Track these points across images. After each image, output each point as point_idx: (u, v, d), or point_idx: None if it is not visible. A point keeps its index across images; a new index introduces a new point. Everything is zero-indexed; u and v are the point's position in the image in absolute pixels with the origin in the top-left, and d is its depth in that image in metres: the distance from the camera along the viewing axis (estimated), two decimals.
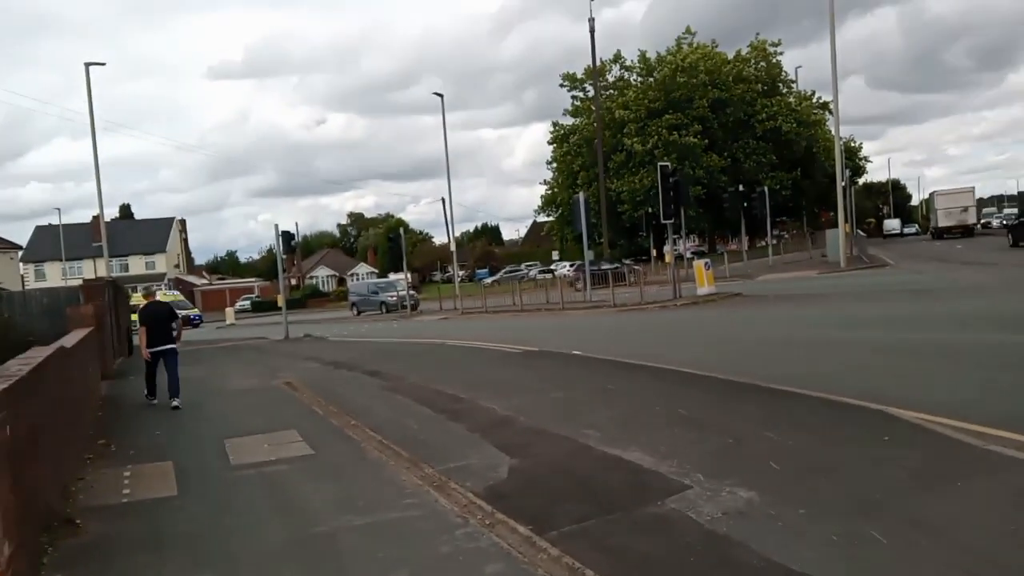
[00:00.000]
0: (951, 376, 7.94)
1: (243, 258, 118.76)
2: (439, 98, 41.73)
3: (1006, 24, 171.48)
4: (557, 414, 7.69)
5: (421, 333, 21.28)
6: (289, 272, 65.48)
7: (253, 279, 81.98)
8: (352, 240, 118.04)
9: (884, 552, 3.74)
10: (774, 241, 45.88)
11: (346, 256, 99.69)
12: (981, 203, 72.86)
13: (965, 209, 46.28)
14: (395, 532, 4.80)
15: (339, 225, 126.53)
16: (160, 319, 10.43)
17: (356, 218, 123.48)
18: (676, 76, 50.59)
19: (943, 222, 46.33)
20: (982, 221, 55.05)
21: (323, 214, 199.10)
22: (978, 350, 9.24)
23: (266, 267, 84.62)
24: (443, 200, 43.70)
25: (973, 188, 50.26)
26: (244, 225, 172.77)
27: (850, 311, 15.20)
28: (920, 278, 21.68)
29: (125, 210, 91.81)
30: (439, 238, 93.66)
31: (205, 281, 77.14)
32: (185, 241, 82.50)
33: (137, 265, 69.41)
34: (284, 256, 26.21)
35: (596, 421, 7.12)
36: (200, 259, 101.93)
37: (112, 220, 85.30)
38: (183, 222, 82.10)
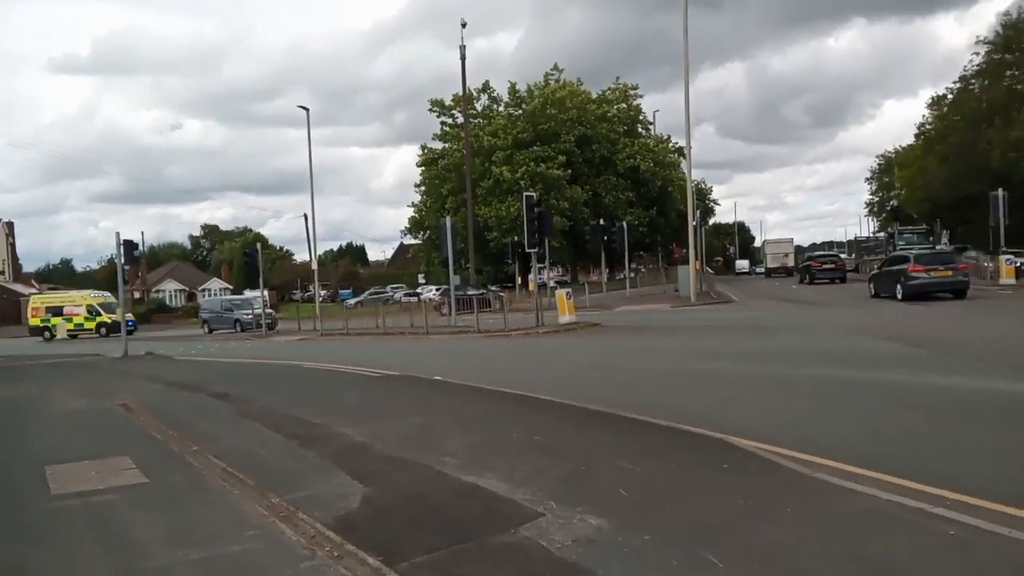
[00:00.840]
0: (784, 407, 8.54)
1: (79, 267, 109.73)
2: (305, 111, 40.67)
3: (838, 87, 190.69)
4: (415, 440, 7.56)
5: (277, 354, 20.41)
6: (132, 284, 60.95)
7: (90, 291, 75.59)
8: (205, 253, 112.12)
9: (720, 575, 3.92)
10: (631, 274, 47.99)
11: (198, 270, 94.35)
12: (814, 247, 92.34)
13: (786, 255, 58.96)
14: (235, 566, 4.50)
15: (191, 237, 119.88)
16: None
17: (210, 230, 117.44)
18: (545, 109, 52.20)
19: (771, 264, 58.96)
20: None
21: (174, 225, 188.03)
22: (806, 382, 10.03)
23: (105, 278, 78.31)
24: (306, 216, 42.31)
25: (792, 239, 66.56)
26: (83, 232, 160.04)
27: (698, 344, 16.10)
28: (760, 315, 23.35)
29: None
30: (301, 255, 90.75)
31: (34, 290, 70.29)
32: (12, 246, 74.90)
33: None
34: (127, 267, 24.40)
35: (454, 448, 7.07)
36: (31, 267, 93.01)
37: None
38: (10, 224, 74.54)
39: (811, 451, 6.15)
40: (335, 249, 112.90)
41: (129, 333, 38.01)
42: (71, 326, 41.26)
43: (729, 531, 4.53)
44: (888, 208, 70.20)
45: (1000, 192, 30.92)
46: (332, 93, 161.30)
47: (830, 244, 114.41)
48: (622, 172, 54.24)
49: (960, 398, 8.47)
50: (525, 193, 23.32)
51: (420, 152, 58.10)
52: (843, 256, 51.51)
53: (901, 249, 33.56)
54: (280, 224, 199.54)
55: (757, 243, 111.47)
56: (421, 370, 13.25)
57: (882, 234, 50.98)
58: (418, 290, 57.56)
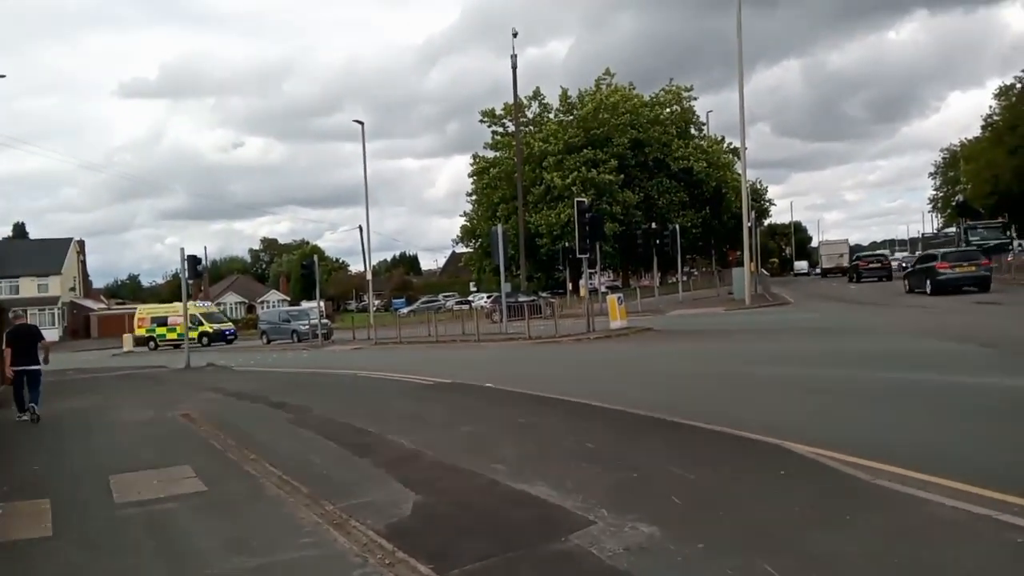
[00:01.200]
0: (840, 411, 8.28)
1: (146, 282, 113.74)
2: (360, 125, 41.46)
3: (898, 80, 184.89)
4: (466, 448, 7.58)
5: (332, 364, 20.77)
6: (195, 297, 62.99)
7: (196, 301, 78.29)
8: (264, 267, 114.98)
9: None
10: (684, 278, 47.38)
11: (257, 283, 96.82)
12: (875, 246, 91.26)
13: (841, 255, 59.38)
14: (289, 574, 4.58)
15: (251, 251, 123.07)
16: (25, 340, 10.90)
17: (269, 244, 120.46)
18: (598, 114, 52.02)
19: (826, 264, 60.08)
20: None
21: (235, 239, 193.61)
22: (867, 386, 9.70)
23: (170, 292, 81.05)
24: (360, 228, 43.05)
25: (846, 239, 69.69)
26: (149, 248, 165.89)
27: (751, 347, 15.76)
28: (817, 316, 22.75)
29: (19, 229, 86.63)
30: (355, 266, 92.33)
31: (103, 305, 73.18)
32: (83, 263, 78.17)
33: (28, 287, 65.14)
34: (190, 281, 25.19)
35: (505, 455, 7.06)
36: (100, 283, 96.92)
37: (3, 239, 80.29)
38: (81, 243, 77.80)
39: (871, 456, 5.94)
40: (389, 259, 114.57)
41: (228, 342, 39.55)
42: (174, 336, 40.94)
43: (786, 539, 4.41)
44: (953, 203, 67.78)
45: None
46: (386, 107, 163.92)
47: (891, 242, 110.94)
48: (675, 173, 53.67)
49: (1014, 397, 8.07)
50: (576, 199, 23.28)
51: (472, 161, 58.57)
52: (901, 254, 51.41)
53: (975, 244, 35.08)
54: (336, 236, 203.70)
55: (814, 243, 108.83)
56: (472, 378, 13.30)
57: (952, 230, 48.62)
58: (469, 298, 57.91)
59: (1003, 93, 56.27)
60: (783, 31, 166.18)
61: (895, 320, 19.43)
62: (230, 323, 45.61)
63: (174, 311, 44.13)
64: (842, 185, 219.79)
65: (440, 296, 67.75)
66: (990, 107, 58.07)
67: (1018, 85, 51.71)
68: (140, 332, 43.78)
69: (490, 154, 57.17)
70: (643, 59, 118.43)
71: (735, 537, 4.51)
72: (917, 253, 51.42)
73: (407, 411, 10.39)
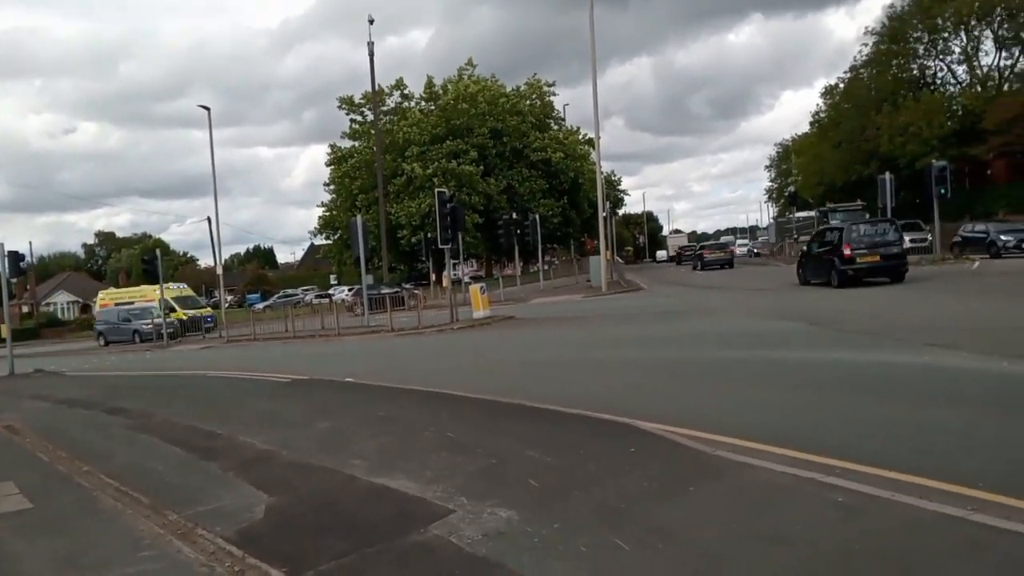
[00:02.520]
0: (687, 389, 8.79)
1: None
2: (206, 111, 39.09)
3: (738, 79, 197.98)
4: (323, 445, 7.37)
5: (179, 364, 19.57)
6: (19, 298, 57.25)
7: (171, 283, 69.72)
8: (100, 262, 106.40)
9: (626, 558, 3.97)
10: (545, 266, 48.47)
11: (93, 280, 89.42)
12: (719, 234, 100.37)
13: (683, 246, 69.02)
14: None
15: (85, 245, 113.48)
16: None
17: (106, 238, 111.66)
18: (458, 104, 52.00)
19: (671, 253, 72.97)
20: None
21: (67, 233, 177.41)
22: (707, 365, 10.35)
23: None
24: (209, 219, 40.76)
25: (685, 233, 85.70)
26: None
27: (608, 332, 16.38)
28: (668, 301, 24.00)
29: None
30: (206, 261, 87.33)
31: None
32: None
33: None
34: (14, 280, 22.86)
35: (364, 450, 6.94)
36: None
37: None
38: None
39: (713, 430, 6.34)
40: (242, 253, 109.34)
41: (207, 331, 33.48)
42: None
43: (635, 513, 4.61)
44: (786, 194, 73.45)
45: (887, 175, 32.76)
46: (238, 92, 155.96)
47: (733, 231, 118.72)
48: (534, 164, 54.73)
49: (848, 371, 8.91)
50: (437, 189, 23.17)
51: (329, 151, 56.90)
52: (741, 242, 55.71)
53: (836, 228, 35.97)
54: (183, 229, 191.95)
55: (664, 232, 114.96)
56: (332, 373, 12.96)
57: (804, 214, 51.19)
58: (330, 291, 56.39)
59: (828, 93, 61.52)
60: (635, 30, 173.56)
61: (739, 303, 20.83)
62: (209, 309, 39.88)
63: (141, 295, 38.18)
64: (689, 177, 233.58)
65: (299, 290, 65.48)
66: (817, 105, 63.30)
67: (841, 86, 56.72)
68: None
69: (348, 143, 55.85)
70: (503, 52, 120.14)
71: (588, 515, 4.67)
72: (775, 239, 53.76)
73: (261, 410, 9.96)
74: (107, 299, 39.99)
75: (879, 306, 15.81)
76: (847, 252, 20.51)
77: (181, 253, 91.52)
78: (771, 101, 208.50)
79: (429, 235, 35.94)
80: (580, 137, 60.95)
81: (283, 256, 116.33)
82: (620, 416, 7.09)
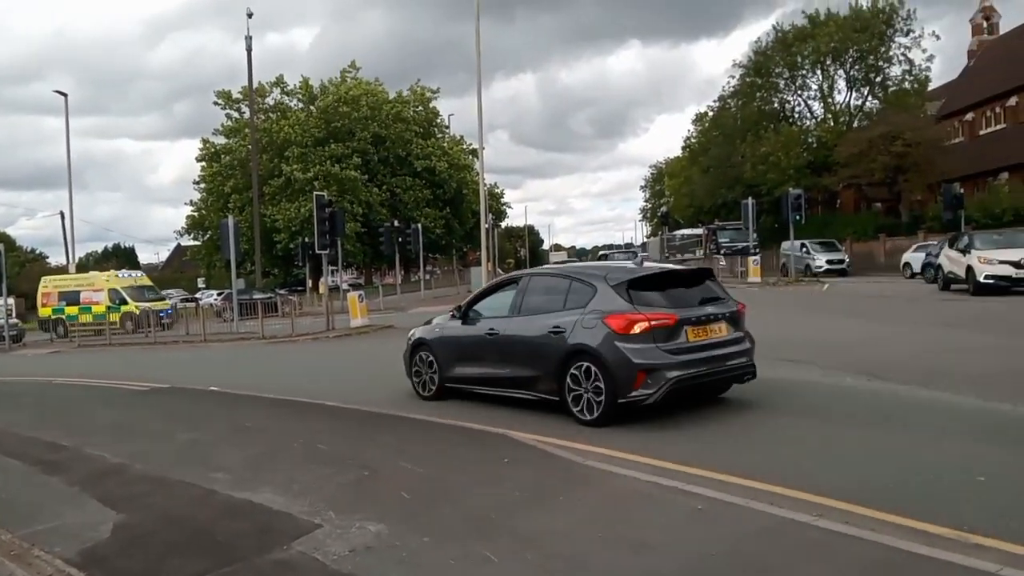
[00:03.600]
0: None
1: None
2: (63, 97, 36.32)
3: (617, 101, 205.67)
4: (182, 458, 6.96)
5: (21, 371, 17.94)
6: None
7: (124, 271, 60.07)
8: None
9: (494, 569, 3.98)
10: (427, 276, 48.21)
11: None
12: (596, 250, 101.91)
13: (563, 261, 66.33)
14: None
15: None
16: None
17: None
18: (339, 107, 50.85)
19: None
20: None
21: None
22: None
23: None
24: (62, 214, 37.77)
25: (565, 248, 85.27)
26: None
27: None
28: None
29: None
30: (57, 259, 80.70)
31: None
32: None
33: None
34: None
35: (227, 463, 6.61)
36: None
37: None
38: None
39: (583, 440, 6.48)
40: (100, 251, 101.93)
41: (165, 327, 28.28)
42: (90, 318, 29.74)
43: (505, 524, 4.63)
44: (659, 214, 76.88)
45: (750, 200, 34.99)
46: (102, 80, 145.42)
47: (608, 247, 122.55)
48: (418, 172, 54.35)
49: None
50: (316, 192, 22.52)
51: (202, 146, 54.12)
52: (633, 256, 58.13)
53: (724, 245, 37.46)
54: (33, 223, 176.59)
55: (545, 246, 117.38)
56: (195, 381, 12.28)
57: (700, 230, 52.10)
58: (197, 295, 53.53)
59: (699, 120, 65.05)
60: (521, 45, 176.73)
61: None
62: (167, 302, 34.11)
63: (89, 284, 32.23)
64: (570, 193, 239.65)
65: (163, 293, 61.74)
66: (688, 131, 66.90)
67: (710, 114, 60.10)
68: (45, 313, 33.02)
69: (223, 140, 53.37)
70: (390, 58, 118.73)
71: (459, 526, 4.65)
72: (666, 255, 54.75)
73: (113, 421, 9.29)
74: (51, 287, 34.17)
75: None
76: None
77: (29, 249, 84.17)
78: (647, 124, 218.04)
79: (307, 240, 34.89)
80: (464, 147, 61.20)
81: (146, 256, 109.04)
82: (495, 427, 7.12)
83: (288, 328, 21.56)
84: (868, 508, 4.49)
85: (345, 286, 38.48)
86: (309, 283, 45.34)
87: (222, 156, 51.96)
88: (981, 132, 51.88)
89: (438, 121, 59.99)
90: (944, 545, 3.89)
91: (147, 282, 34.21)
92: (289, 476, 6.00)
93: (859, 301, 19.68)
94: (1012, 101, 48.52)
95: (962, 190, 30.73)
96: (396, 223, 39.45)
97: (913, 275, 28.50)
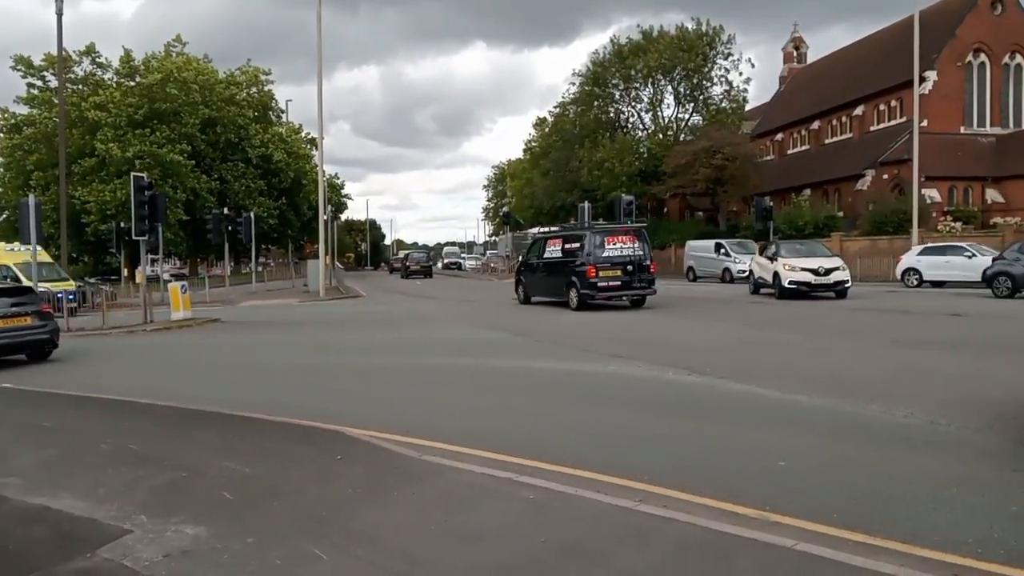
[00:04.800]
0: (398, 395, 8.85)
1: None
2: None
3: (462, 101, 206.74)
4: None
5: None
6: None
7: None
8: None
9: (323, 567, 3.84)
10: (260, 268, 45.98)
11: None
12: (440, 247, 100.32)
13: (407, 255, 64.93)
14: None
15: None
16: None
17: None
18: (166, 86, 47.10)
19: (395, 265, 66.87)
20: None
21: None
22: (420, 371, 10.55)
23: None
24: None
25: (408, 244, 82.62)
26: None
27: (321, 338, 15.96)
28: (386, 309, 24.12)
29: None
30: None
31: None
32: None
33: None
34: None
35: (21, 466, 5.94)
36: None
37: None
38: None
39: (422, 436, 6.44)
40: None
41: (69, 313, 21.68)
42: None
43: (336, 521, 4.50)
44: (501, 214, 78.32)
45: (587, 204, 36.44)
46: None
47: (451, 244, 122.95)
48: (252, 160, 51.54)
49: (544, 378, 9.66)
50: (134, 174, 20.72)
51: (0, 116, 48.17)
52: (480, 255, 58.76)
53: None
54: None
55: (387, 241, 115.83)
56: None
57: (557, 228, 50.79)
58: None
59: (540, 124, 66.95)
60: (365, 37, 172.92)
61: (452, 312, 21.59)
62: (72, 283, 27.41)
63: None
64: (414, 189, 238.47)
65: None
66: (530, 134, 68.64)
67: (550, 119, 62.00)
68: None
69: (25, 110, 47.85)
70: (222, 37, 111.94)
71: (287, 526, 4.45)
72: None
73: None
74: None
75: (574, 321, 17.44)
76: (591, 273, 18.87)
77: None
78: (491, 125, 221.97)
79: (123, 225, 32.08)
80: (303, 136, 58.96)
81: None
82: (329, 423, 6.91)
83: (99, 320, 19.72)
84: (684, 492, 4.81)
85: (167, 276, 35.84)
86: (125, 272, 41.73)
87: (23, 128, 46.59)
88: (789, 151, 57.51)
89: (274, 105, 57.34)
90: (748, 524, 4.24)
91: (46, 258, 28.51)
92: (94, 479, 5.48)
93: (678, 303, 21.07)
94: (815, 125, 54.17)
95: (771, 203, 33.77)
96: (226, 211, 37.21)
97: (733, 279, 30.95)
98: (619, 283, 18.99)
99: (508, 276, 44.62)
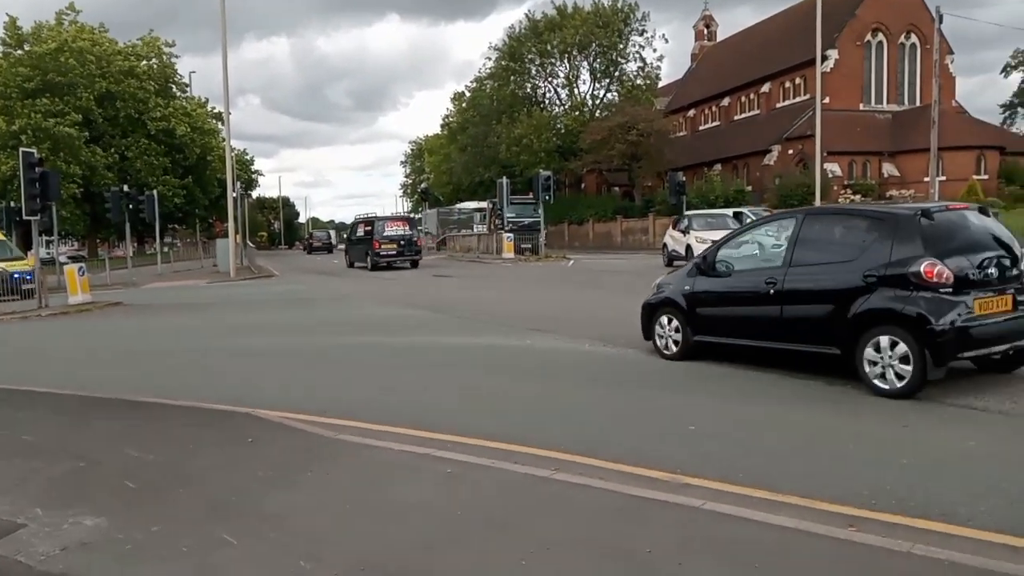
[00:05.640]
0: (312, 376, 8.66)
1: None
2: None
3: (377, 75, 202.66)
4: None
5: None
6: None
7: None
8: None
9: (232, 552, 3.73)
10: (165, 248, 44.05)
11: None
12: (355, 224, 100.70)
13: (310, 234, 72.49)
14: None
15: None
16: None
17: None
18: (59, 56, 44.09)
19: (313, 242, 66.93)
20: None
21: None
22: (334, 351, 10.35)
23: None
24: None
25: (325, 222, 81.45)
26: None
27: (232, 319, 15.45)
28: (299, 288, 23.54)
29: None
30: None
31: None
32: None
33: None
34: None
35: None
36: None
37: None
38: None
39: (338, 415, 6.32)
40: None
41: (22, 296, 19.14)
42: None
43: (247, 505, 4.37)
44: (419, 190, 77.46)
45: (504, 180, 36.45)
46: None
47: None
48: (154, 135, 49.03)
49: (464, 356, 9.65)
50: (23, 149, 19.39)
51: None
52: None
53: (509, 220, 35.97)
54: None
55: (302, 219, 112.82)
56: None
57: (483, 203, 47.11)
58: None
59: (457, 99, 66.30)
60: (274, 6, 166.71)
61: (366, 290, 21.27)
62: (29, 261, 22.88)
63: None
64: (328, 165, 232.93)
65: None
66: (447, 110, 67.91)
67: (467, 94, 61.48)
68: None
69: None
70: (119, 6, 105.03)
71: (194, 513, 4.29)
72: (439, 229, 51.25)
73: None
74: None
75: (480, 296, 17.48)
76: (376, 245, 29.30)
77: None
78: (407, 100, 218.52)
79: (13, 204, 30.08)
80: (209, 110, 56.49)
81: None
82: (238, 406, 6.69)
83: None
84: (599, 460, 4.90)
85: (63, 258, 33.88)
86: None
87: None
88: (700, 127, 59.03)
89: (177, 79, 54.62)
90: (660, 487, 4.36)
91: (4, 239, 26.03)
92: None
93: (597, 275, 21.44)
94: (725, 102, 55.75)
95: (684, 178, 34.64)
96: (127, 188, 35.34)
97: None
98: (394, 253, 29.49)
99: (432, 252, 44.24)
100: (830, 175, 37.98)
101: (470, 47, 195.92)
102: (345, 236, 40.82)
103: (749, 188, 42.29)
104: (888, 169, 42.15)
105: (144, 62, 50.72)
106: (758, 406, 6.25)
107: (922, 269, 6.11)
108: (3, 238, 26.84)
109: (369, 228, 30.61)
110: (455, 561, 3.55)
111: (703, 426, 5.69)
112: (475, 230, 43.76)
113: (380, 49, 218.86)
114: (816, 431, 5.52)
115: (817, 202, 29.79)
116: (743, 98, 53.35)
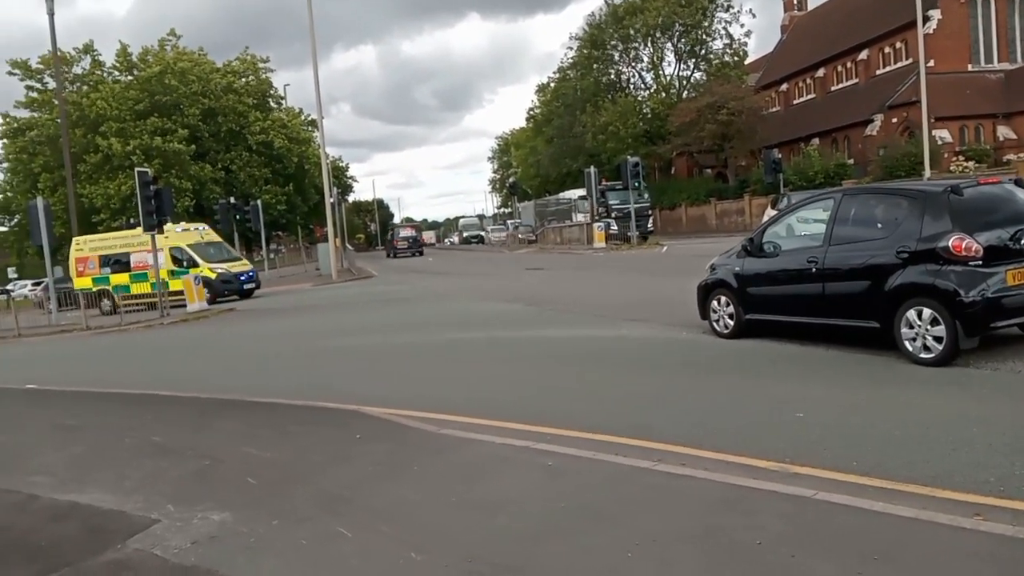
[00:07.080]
0: (417, 372, 8.90)
1: None
2: None
3: (460, 74, 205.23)
4: None
5: None
6: None
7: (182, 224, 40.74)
8: None
9: (348, 545, 3.89)
10: (271, 255, 46.17)
11: None
12: (448, 222, 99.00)
13: (392, 233, 67.29)
14: None
15: None
16: None
17: None
18: (164, 78, 46.96)
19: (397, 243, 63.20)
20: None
21: None
22: (436, 347, 10.58)
23: None
24: None
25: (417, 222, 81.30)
26: None
27: (336, 320, 16.04)
28: (399, 288, 24.17)
29: None
30: None
31: None
32: None
33: None
34: None
35: (49, 464, 6.03)
36: None
37: None
38: None
39: (441, 410, 6.48)
40: None
41: (247, 295, 23.20)
42: (147, 287, 22.39)
43: (359, 500, 4.55)
44: (507, 185, 77.99)
45: (592, 169, 36.15)
46: None
47: (476, 216, 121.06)
48: (254, 148, 51.43)
49: (558, 346, 9.67)
50: (138, 169, 20.77)
51: (1, 122, 48.26)
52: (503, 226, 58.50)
53: (614, 207, 35.73)
54: None
55: (396, 219, 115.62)
56: (7, 380, 11.09)
57: (575, 193, 45.60)
58: (8, 286, 48.23)
59: (541, 90, 66.27)
60: (359, 17, 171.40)
61: (462, 287, 21.61)
62: (247, 263, 26.87)
63: (141, 243, 22.73)
64: (419, 165, 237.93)
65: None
66: (532, 102, 67.97)
67: (551, 85, 61.34)
68: (83, 284, 24.71)
69: (25, 113, 47.88)
70: (216, 28, 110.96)
71: (310, 507, 4.51)
72: (536, 223, 50.92)
73: None
74: (87, 250, 26.25)
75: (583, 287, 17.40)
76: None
77: None
78: (492, 96, 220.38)
79: (132, 220, 32.22)
80: (303, 119, 58.66)
81: None
82: (347, 403, 6.96)
83: (117, 317, 19.92)
84: (702, 450, 4.82)
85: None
86: None
87: (27, 132, 46.70)
88: (795, 101, 56.57)
89: (272, 92, 57.01)
90: (768, 477, 4.25)
91: (216, 238, 27.31)
92: (120, 473, 5.57)
93: (690, 261, 20.90)
94: (820, 72, 53.23)
95: (780, 155, 33.36)
96: (233, 200, 37.23)
97: None
98: (405, 247, 48.30)
99: (521, 247, 44.52)
100: (939, 142, 35.69)
101: (551, 39, 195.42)
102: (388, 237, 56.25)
103: (851, 161, 40.30)
104: (1004, 132, 39.24)
105: (242, 79, 53.21)
106: (855, 390, 5.98)
107: (950, 244, 6.34)
108: (217, 238, 27.71)
109: (392, 232, 39.39)
110: (561, 553, 3.58)
111: (813, 414, 5.50)
112: (576, 219, 41.77)
113: (463, 49, 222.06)
114: (928, 415, 5.23)
115: (926, 172, 28.07)
116: (839, 67, 50.79)
